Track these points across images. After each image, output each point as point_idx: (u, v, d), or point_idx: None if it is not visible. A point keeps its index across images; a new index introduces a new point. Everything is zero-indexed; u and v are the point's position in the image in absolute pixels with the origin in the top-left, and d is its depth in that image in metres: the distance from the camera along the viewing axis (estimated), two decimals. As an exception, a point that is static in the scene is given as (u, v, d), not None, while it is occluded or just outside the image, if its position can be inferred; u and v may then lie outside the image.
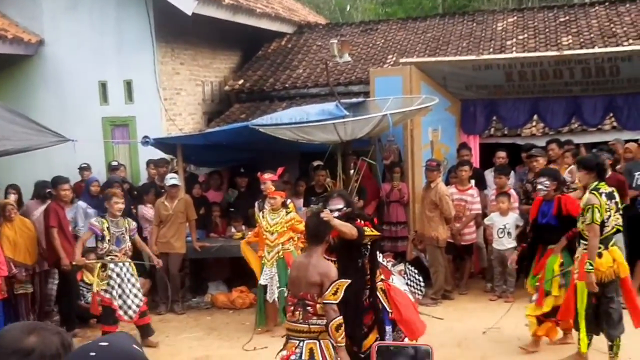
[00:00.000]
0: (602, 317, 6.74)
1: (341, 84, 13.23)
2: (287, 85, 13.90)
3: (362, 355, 5.83)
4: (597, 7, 14.82)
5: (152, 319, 8.74)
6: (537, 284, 7.31)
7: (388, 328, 6.16)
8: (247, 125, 9.78)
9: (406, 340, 6.32)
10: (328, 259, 5.70)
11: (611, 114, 10.43)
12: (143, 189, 10.85)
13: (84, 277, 9.54)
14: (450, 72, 10.50)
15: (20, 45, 12.18)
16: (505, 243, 9.36)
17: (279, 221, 8.51)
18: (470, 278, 10.35)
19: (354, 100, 10.91)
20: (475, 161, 10.70)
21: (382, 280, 6.23)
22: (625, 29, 13.36)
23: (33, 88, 12.65)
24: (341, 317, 5.20)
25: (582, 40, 13.23)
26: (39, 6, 12.59)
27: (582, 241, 6.70)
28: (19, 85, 12.66)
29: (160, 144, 10.88)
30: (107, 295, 8.15)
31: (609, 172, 8.79)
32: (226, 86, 14.32)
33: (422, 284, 9.67)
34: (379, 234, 6.26)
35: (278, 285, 8.42)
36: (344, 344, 5.25)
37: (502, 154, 10.39)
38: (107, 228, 8.21)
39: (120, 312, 8.17)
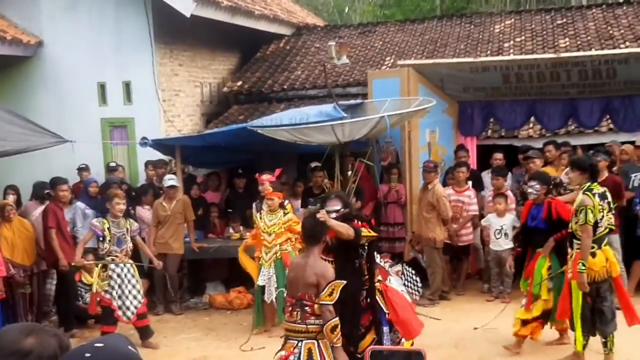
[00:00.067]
0: (595, 315, 6.78)
1: (339, 86, 13.26)
2: (285, 86, 13.93)
3: (359, 356, 5.84)
4: (594, 10, 14.87)
5: (150, 320, 8.73)
6: (527, 288, 7.37)
7: (385, 329, 6.18)
8: (245, 126, 9.80)
9: (403, 340, 6.36)
10: (325, 259, 5.73)
11: (608, 116, 10.47)
12: (141, 190, 10.87)
13: (82, 277, 9.55)
14: (447, 74, 10.53)
15: (19, 47, 12.20)
16: (502, 244, 9.39)
17: (276, 222, 8.54)
18: (467, 279, 10.39)
19: (352, 102, 10.93)
20: (473, 163, 10.72)
21: (379, 281, 6.25)
22: (622, 31, 13.40)
23: (32, 89, 12.67)
24: (337, 318, 5.22)
25: (579, 42, 13.27)
26: (38, 7, 12.60)
27: (575, 241, 6.74)
28: (18, 86, 12.68)
29: (158, 145, 10.91)
30: (107, 296, 8.17)
31: (606, 174, 8.86)
32: (225, 87, 14.34)
33: (420, 284, 9.70)
34: (376, 234, 6.28)
35: (276, 285, 8.44)
36: (340, 345, 5.29)
37: (499, 155, 10.42)
38: (108, 228, 8.23)
39: (119, 313, 8.19)
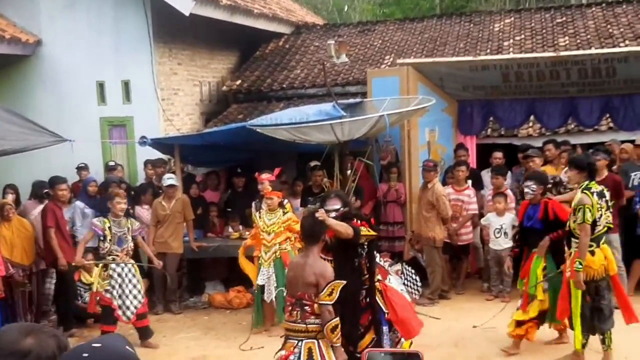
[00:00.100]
0: (593, 313, 6.79)
1: (338, 85, 13.25)
2: (284, 85, 13.92)
3: (358, 355, 5.84)
4: (593, 8, 14.86)
5: (150, 319, 8.71)
6: (523, 288, 7.37)
7: (384, 328, 6.19)
8: (244, 125, 9.80)
9: (402, 340, 6.36)
10: (324, 258, 5.73)
11: (607, 115, 10.47)
12: (140, 189, 10.86)
13: (81, 277, 9.54)
14: (447, 72, 10.52)
15: (17, 46, 12.19)
16: (502, 243, 9.38)
17: (276, 221, 8.53)
18: (467, 278, 10.39)
19: (351, 100, 10.93)
20: (472, 161, 10.72)
21: (378, 280, 6.25)
22: (621, 30, 13.39)
23: (31, 88, 12.66)
24: (337, 318, 5.22)
25: (578, 41, 13.26)
26: (37, 6, 12.59)
27: (573, 240, 6.74)
28: (17, 86, 12.67)
29: (157, 144, 10.90)
30: (108, 295, 8.16)
31: (606, 173, 8.86)
32: (224, 86, 14.33)
33: (419, 283, 9.70)
34: (375, 233, 6.28)
35: (275, 285, 8.43)
36: (340, 344, 5.29)
37: (498, 154, 10.42)
38: (109, 228, 8.22)
39: (119, 312, 8.18)
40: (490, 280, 9.82)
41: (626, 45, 12.23)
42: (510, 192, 9.74)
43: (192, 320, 9.66)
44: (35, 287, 9.22)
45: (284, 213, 8.60)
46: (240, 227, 10.65)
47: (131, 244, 8.43)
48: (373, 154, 10.20)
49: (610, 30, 13.43)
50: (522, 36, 14.01)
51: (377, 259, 6.54)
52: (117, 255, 8.24)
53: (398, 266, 9.61)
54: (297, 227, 8.14)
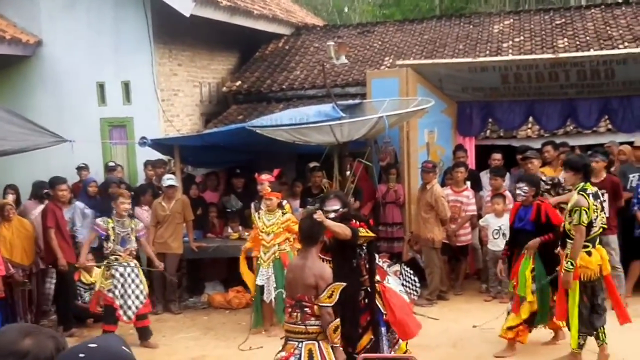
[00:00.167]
0: (591, 313, 6.84)
1: (338, 86, 13.27)
2: (284, 86, 13.94)
3: (356, 356, 5.86)
4: (592, 10, 14.88)
5: (150, 319, 8.72)
6: (512, 290, 7.39)
7: (383, 329, 6.21)
8: (244, 126, 9.82)
9: (400, 341, 6.38)
10: (323, 259, 5.75)
11: (606, 117, 10.47)
12: (140, 190, 10.87)
13: (81, 277, 9.57)
14: (446, 74, 10.54)
15: (18, 46, 12.20)
16: (500, 244, 9.36)
17: (275, 222, 8.55)
18: (465, 279, 10.41)
19: (351, 102, 10.94)
20: (471, 163, 10.74)
21: (377, 281, 6.27)
22: (620, 31, 13.41)
23: (31, 89, 12.67)
24: (338, 320, 5.23)
25: (577, 43, 13.28)
26: (37, 7, 12.61)
27: (568, 241, 6.78)
28: (17, 86, 12.69)
29: (157, 144, 10.92)
30: (110, 295, 8.19)
31: (604, 174, 8.89)
32: (224, 87, 14.34)
33: (418, 284, 9.71)
34: (374, 235, 6.30)
35: (275, 285, 8.45)
36: (339, 345, 5.30)
37: (497, 155, 10.44)
38: (112, 228, 8.25)
39: (120, 312, 8.20)
40: (488, 281, 9.84)
41: (625, 47, 12.26)
42: (508, 194, 9.75)
43: (191, 320, 9.68)
44: (35, 287, 9.24)
45: (283, 214, 8.62)
46: (240, 227, 10.67)
47: (134, 245, 8.45)
48: (372, 155, 10.21)
49: (609, 32, 13.45)
50: (521, 38, 14.04)
51: (376, 260, 6.57)
52: (119, 256, 8.26)
53: (397, 267, 9.62)
54: (296, 227, 8.16)
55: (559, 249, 7.06)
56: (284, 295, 6.45)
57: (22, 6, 12.68)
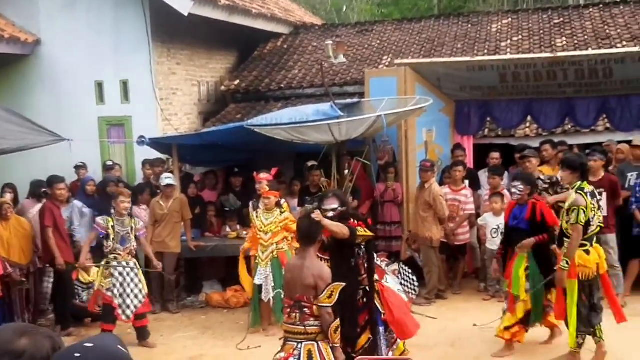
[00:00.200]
0: (590, 312, 6.85)
1: (336, 85, 13.27)
2: (282, 85, 13.94)
3: (354, 356, 5.86)
4: (591, 9, 14.90)
5: (148, 319, 8.72)
6: (507, 289, 7.39)
7: (381, 329, 6.20)
8: (242, 125, 9.81)
9: (398, 341, 6.38)
10: (321, 258, 5.75)
11: (604, 116, 10.49)
12: (138, 189, 10.87)
13: (79, 276, 9.55)
14: (444, 73, 10.54)
15: (16, 45, 12.20)
16: (499, 243, 9.38)
17: (273, 221, 8.54)
18: (463, 278, 10.40)
19: (349, 100, 10.94)
20: (469, 162, 10.74)
21: (376, 280, 6.26)
22: (619, 31, 13.42)
23: (29, 87, 12.67)
24: (338, 320, 5.22)
25: (576, 42, 13.29)
26: (36, 6, 12.60)
27: (565, 240, 6.79)
28: (16, 85, 12.68)
29: (156, 143, 10.92)
30: (109, 294, 8.19)
31: (602, 173, 8.89)
32: (222, 86, 14.34)
33: (416, 283, 9.71)
34: (372, 234, 6.29)
35: (273, 285, 8.45)
36: (339, 345, 5.29)
37: (495, 154, 10.44)
38: (112, 227, 8.25)
39: (119, 311, 8.20)
40: (486, 280, 9.84)
41: (623, 46, 12.26)
42: (507, 193, 9.72)
43: (189, 319, 9.67)
44: (33, 286, 9.22)
45: (281, 213, 8.61)
46: (238, 226, 10.67)
47: (134, 244, 8.45)
48: (370, 154, 10.21)
49: (608, 31, 13.46)
50: (520, 37, 14.04)
51: (375, 259, 6.56)
52: (119, 254, 8.26)
53: (395, 266, 9.62)
54: (294, 226, 8.16)
55: (554, 246, 7.08)
56: (282, 296, 6.43)
57: (20, 5, 12.67)
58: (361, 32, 15.97)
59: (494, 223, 9.50)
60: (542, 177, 9.13)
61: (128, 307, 8.22)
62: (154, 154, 11.34)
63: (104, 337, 2.08)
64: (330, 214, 6.00)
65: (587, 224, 6.65)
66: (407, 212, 10.36)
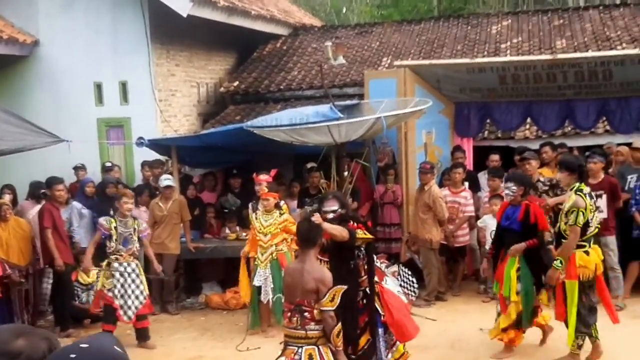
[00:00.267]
0: (590, 312, 6.88)
1: (336, 86, 13.26)
2: (282, 87, 13.94)
3: (354, 357, 5.85)
4: (591, 11, 14.92)
5: (149, 320, 8.71)
6: (500, 291, 7.38)
7: (380, 330, 6.19)
8: (241, 126, 9.80)
9: (397, 343, 6.36)
10: (321, 259, 5.73)
11: (604, 118, 10.50)
12: (137, 191, 10.84)
13: (78, 277, 9.54)
14: (444, 75, 10.54)
15: (15, 46, 12.19)
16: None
17: (272, 222, 8.53)
18: (463, 280, 10.40)
19: (348, 102, 10.92)
20: (469, 164, 10.73)
21: (375, 282, 6.25)
22: (618, 33, 13.43)
23: (28, 88, 12.66)
24: (340, 324, 5.19)
25: (575, 44, 13.30)
26: (35, 7, 12.60)
27: (563, 241, 6.79)
28: (14, 86, 12.67)
29: (155, 145, 10.91)
30: (109, 294, 8.17)
31: (602, 175, 8.89)
32: (221, 88, 14.34)
33: (416, 285, 9.69)
34: (371, 237, 6.28)
35: (272, 286, 8.43)
36: (342, 348, 5.27)
37: (495, 156, 10.43)
38: (115, 228, 8.24)
39: (120, 312, 8.18)
40: (486, 282, 9.81)
41: (623, 48, 12.27)
42: (506, 194, 9.75)
43: (188, 321, 9.66)
44: (32, 287, 9.20)
45: (281, 214, 8.60)
46: (237, 228, 10.65)
47: (137, 245, 8.43)
48: (370, 156, 10.21)
49: (607, 33, 13.47)
50: (519, 39, 14.05)
51: (375, 261, 6.54)
52: (121, 255, 8.25)
53: (395, 267, 9.59)
54: (294, 228, 8.15)
55: (551, 246, 7.08)
56: (283, 300, 6.40)
57: (19, 6, 12.66)
58: (361, 34, 15.98)
59: (493, 225, 9.41)
60: (542, 179, 9.14)
61: (129, 308, 8.21)
62: (153, 156, 11.33)
63: (100, 337, 2.05)
64: (330, 215, 5.98)
65: (586, 225, 6.66)
66: (406, 214, 10.35)
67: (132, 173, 12.43)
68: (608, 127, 10.69)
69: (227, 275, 10.65)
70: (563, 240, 6.78)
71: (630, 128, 10.06)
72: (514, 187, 7.32)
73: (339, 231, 5.77)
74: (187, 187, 11.00)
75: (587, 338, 6.94)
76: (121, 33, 12.30)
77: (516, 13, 16.22)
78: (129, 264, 8.27)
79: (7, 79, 12.72)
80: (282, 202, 8.80)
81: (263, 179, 8.64)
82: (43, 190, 9.57)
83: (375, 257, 6.76)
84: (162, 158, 11.44)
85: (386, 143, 10.53)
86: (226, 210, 11.15)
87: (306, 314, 5.20)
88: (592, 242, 6.84)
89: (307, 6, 27.17)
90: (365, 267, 6.14)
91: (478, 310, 9.12)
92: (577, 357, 6.94)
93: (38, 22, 12.63)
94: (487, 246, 9.53)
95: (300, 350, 5.20)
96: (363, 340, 6.03)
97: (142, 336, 8.46)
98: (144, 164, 11.43)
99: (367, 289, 6.12)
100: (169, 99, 12.78)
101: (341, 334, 5.19)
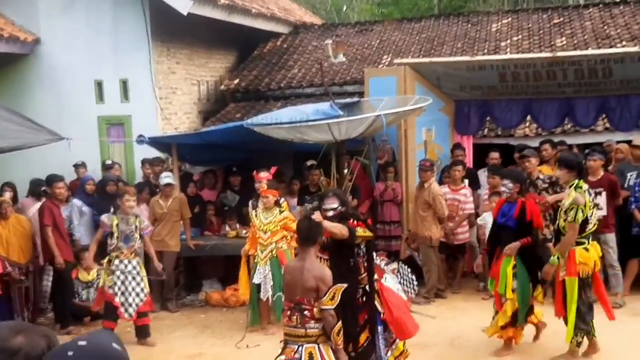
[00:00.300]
0: (589, 309, 6.91)
1: (336, 84, 13.27)
2: (282, 85, 13.94)
3: (353, 355, 5.85)
4: (591, 9, 14.91)
5: (149, 317, 8.71)
6: (495, 288, 7.39)
7: (379, 328, 6.20)
8: (242, 124, 9.80)
9: (397, 341, 6.37)
10: (320, 257, 5.73)
11: (604, 115, 10.49)
12: (138, 188, 10.83)
13: (79, 274, 9.55)
14: (444, 72, 10.54)
15: (16, 44, 12.20)
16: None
17: (272, 220, 8.54)
18: (462, 277, 10.41)
19: (349, 100, 10.91)
20: (469, 161, 10.74)
21: (375, 280, 6.25)
22: (618, 30, 13.43)
23: (29, 87, 12.67)
24: (340, 322, 5.20)
25: (575, 41, 13.30)
26: (35, 5, 12.61)
27: (562, 237, 6.80)
28: (15, 84, 12.68)
29: (155, 142, 10.92)
30: (110, 291, 8.18)
31: (601, 173, 8.90)
32: (222, 86, 14.35)
33: (415, 282, 9.69)
34: (371, 235, 6.28)
35: (272, 283, 8.44)
36: (342, 346, 5.27)
37: (495, 154, 10.44)
38: (117, 225, 8.24)
39: (121, 310, 8.19)
40: (486, 279, 9.82)
41: (623, 46, 12.26)
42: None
43: (188, 318, 9.67)
44: (32, 285, 9.21)
45: (280, 212, 8.61)
46: (237, 225, 10.67)
47: (138, 243, 8.43)
48: (370, 153, 10.21)
49: (607, 31, 13.47)
50: (520, 36, 14.05)
51: (374, 259, 6.55)
52: (122, 253, 8.25)
53: (394, 265, 9.57)
54: (294, 225, 8.15)
55: (550, 244, 7.10)
56: (282, 299, 6.40)
57: (20, 4, 12.68)
58: (361, 32, 15.98)
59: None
60: (541, 176, 9.14)
61: (130, 305, 8.21)
62: (153, 153, 11.34)
63: (99, 334, 2.05)
64: (330, 213, 5.98)
65: (585, 222, 6.67)
66: (406, 212, 10.36)
67: (132, 171, 12.44)
68: (608, 125, 10.70)
69: (227, 273, 10.66)
70: (562, 237, 6.80)
71: (630, 126, 10.06)
72: (510, 185, 7.33)
73: (339, 229, 5.77)
74: (187, 184, 11.01)
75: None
76: (122, 31, 12.31)
77: (516, 11, 16.23)
78: (129, 262, 8.28)
79: (7, 77, 12.74)
80: (282, 200, 8.80)
81: (263, 177, 8.64)
82: (43, 188, 9.58)
83: (375, 254, 6.78)
84: (163, 156, 11.45)
85: (386, 141, 10.53)
86: (226, 208, 11.16)
87: (306, 312, 5.19)
88: (591, 239, 6.86)
89: (308, 4, 27.15)
90: (365, 264, 6.14)
91: (478, 307, 9.12)
92: (576, 354, 6.96)
93: (39, 20, 12.64)
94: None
95: (300, 349, 5.20)
96: (363, 338, 6.04)
97: (142, 333, 8.47)
98: (144, 162, 11.44)
99: (367, 287, 6.13)
100: (169, 97, 12.79)
101: (341, 332, 5.19)
